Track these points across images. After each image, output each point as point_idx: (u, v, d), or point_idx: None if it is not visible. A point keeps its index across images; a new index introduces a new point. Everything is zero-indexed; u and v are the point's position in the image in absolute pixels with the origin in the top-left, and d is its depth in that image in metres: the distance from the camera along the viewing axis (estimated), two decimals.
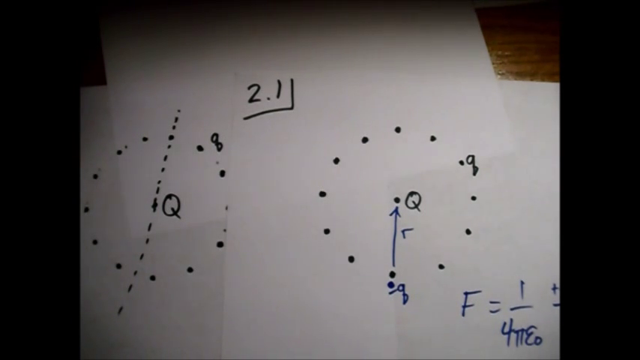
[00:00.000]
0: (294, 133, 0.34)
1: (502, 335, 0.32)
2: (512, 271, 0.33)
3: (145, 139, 0.35)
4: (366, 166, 0.34)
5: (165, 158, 0.34)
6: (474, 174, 0.34)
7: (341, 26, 0.36)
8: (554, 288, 0.33)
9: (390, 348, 0.32)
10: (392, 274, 0.33)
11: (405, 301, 0.33)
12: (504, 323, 0.32)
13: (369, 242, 0.33)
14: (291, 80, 0.35)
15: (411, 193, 0.33)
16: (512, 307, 0.32)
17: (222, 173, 0.34)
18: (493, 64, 0.35)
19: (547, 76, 0.35)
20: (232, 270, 0.33)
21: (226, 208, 0.33)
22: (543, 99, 0.34)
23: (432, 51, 0.35)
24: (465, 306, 0.33)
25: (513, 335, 0.32)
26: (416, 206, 0.33)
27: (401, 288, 0.33)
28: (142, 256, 0.33)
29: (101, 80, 0.36)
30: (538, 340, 0.32)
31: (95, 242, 0.34)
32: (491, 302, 0.33)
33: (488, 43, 0.35)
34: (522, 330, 0.32)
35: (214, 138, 0.34)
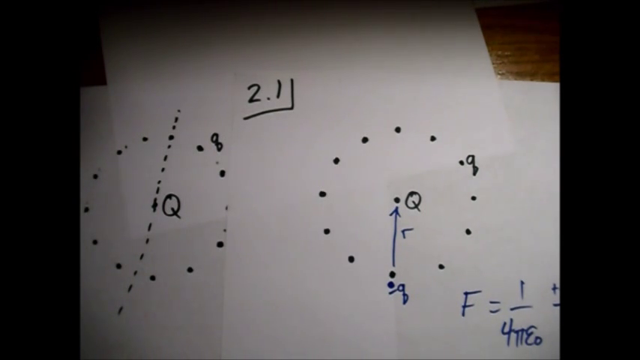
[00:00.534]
0: (294, 133, 0.34)
1: (502, 335, 0.32)
2: (512, 271, 0.33)
3: (145, 139, 0.35)
4: (366, 166, 0.34)
5: (165, 158, 0.34)
6: (474, 174, 0.34)
7: (341, 26, 0.36)
8: (554, 288, 0.33)
9: (389, 348, 0.32)
10: (392, 274, 0.33)
11: (405, 301, 0.33)
12: (504, 323, 0.32)
13: (369, 242, 0.33)
14: (291, 80, 0.35)
15: (411, 193, 0.33)
16: (512, 307, 0.32)
17: (222, 173, 0.34)
18: (493, 64, 0.35)
19: (547, 76, 0.35)
20: (232, 270, 0.33)
21: (226, 208, 0.33)
22: (543, 99, 0.34)
23: (432, 51, 0.35)
24: (464, 306, 0.33)
25: (513, 335, 0.32)
26: (416, 206, 0.33)
27: (401, 288, 0.33)
28: (142, 256, 0.33)
29: (101, 80, 0.36)
30: (538, 340, 0.32)
31: (95, 242, 0.34)
32: (491, 302, 0.33)
33: (488, 43, 0.35)
34: (522, 330, 0.32)
35: (214, 138, 0.34)
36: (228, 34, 0.36)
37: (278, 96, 0.35)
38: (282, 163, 0.34)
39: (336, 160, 0.34)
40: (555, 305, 0.32)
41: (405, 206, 0.33)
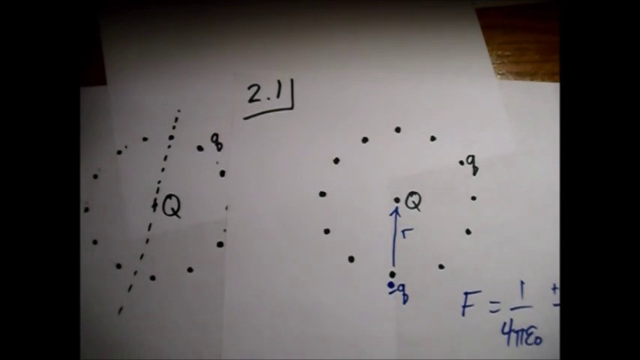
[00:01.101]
0: (294, 133, 0.34)
1: (502, 335, 0.32)
2: (512, 271, 0.33)
3: (145, 139, 0.35)
4: (366, 166, 0.34)
5: (165, 158, 0.34)
6: (474, 174, 0.34)
7: (341, 26, 0.36)
8: (554, 288, 0.33)
9: (389, 348, 0.32)
10: (392, 274, 0.33)
11: (405, 301, 0.33)
12: (504, 323, 0.32)
13: (369, 242, 0.33)
14: (291, 80, 0.35)
15: (411, 193, 0.33)
16: (512, 307, 0.32)
17: (222, 173, 0.34)
18: (493, 64, 0.35)
19: (547, 76, 0.35)
20: (232, 270, 0.33)
21: (226, 208, 0.33)
22: (543, 99, 0.34)
23: (432, 51, 0.35)
24: (464, 306, 0.33)
25: (513, 335, 0.32)
26: (416, 206, 0.33)
27: (401, 288, 0.33)
28: (142, 256, 0.33)
29: (101, 80, 0.36)
30: (538, 340, 0.32)
31: (95, 242, 0.34)
32: (491, 302, 0.33)
33: (488, 43, 0.35)
34: (522, 330, 0.32)
35: (214, 138, 0.34)
36: (228, 34, 0.36)
37: (278, 96, 0.35)
38: (282, 163, 0.34)
39: (336, 160, 0.34)
40: (555, 305, 0.32)
41: (405, 206, 0.33)
